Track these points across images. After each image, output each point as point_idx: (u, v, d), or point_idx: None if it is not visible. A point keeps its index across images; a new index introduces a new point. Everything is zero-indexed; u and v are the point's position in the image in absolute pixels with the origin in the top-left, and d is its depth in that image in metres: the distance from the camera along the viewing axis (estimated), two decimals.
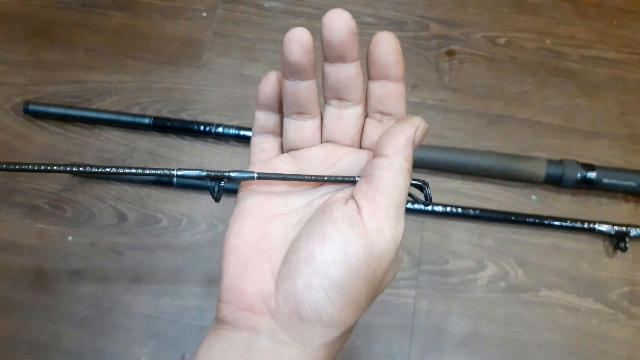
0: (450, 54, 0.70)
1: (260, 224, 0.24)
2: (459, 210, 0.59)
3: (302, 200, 0.25)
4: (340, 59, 0.24)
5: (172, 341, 0.55)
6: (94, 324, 0.55)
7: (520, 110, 0.67)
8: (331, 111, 0.26)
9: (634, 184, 0.60)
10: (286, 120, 0.26)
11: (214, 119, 0.64)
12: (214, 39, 0.70)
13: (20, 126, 0.64)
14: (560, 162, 0.61)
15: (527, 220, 0.59)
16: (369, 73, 0.25)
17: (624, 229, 0.58)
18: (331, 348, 0.22)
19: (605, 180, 0.60)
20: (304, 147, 0.26)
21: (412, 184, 0.26)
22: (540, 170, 0.60)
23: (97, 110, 0.64)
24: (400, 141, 0.23)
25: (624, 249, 0.58)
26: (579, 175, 0.60)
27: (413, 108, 0.66)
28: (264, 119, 0.27)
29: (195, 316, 0.56)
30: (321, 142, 0.27)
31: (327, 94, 0.26)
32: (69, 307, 0.56)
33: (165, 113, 0.65)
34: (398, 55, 0.24)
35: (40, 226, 0.59)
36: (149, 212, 0.60)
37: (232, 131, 0.62)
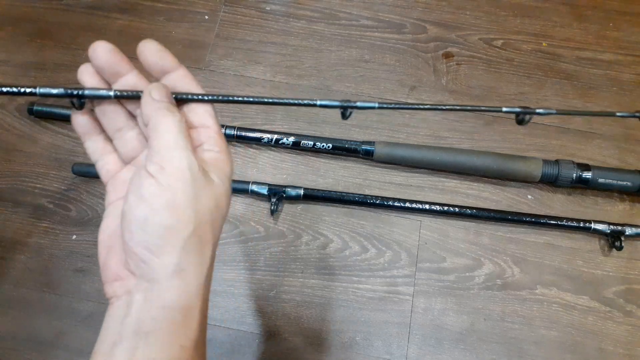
0: (448, 56, 0.71)
1: (119, 217, 0.29)
2: (456, 209, 0.60)
3: None
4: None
5: None
6: (97, 322, 0.55)
7: None
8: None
9: (629, 183, 0.61)
10: (114, 141, 0.30)
11: None
12: (216, 42, 0.71)
13: (25, 127, 0.65)
14: (556, 162, 0.61)
15: (524, 219, 0.60)
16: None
17: (619, 227, 0.59)
18: (183, 275, 0.26)
19: (601, 180, 0.61)
20: (139, 154, 0.30)
21: None
22: (537, 170, 0.61)
23: None
24: (148, 99, 0.27)
25: (620, 248, 0.59)
26: (574, 175, 0.60)
27: (411, 109, 0.67)
28: (93, 145, 0.31)
29: None
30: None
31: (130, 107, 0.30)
32: (73, 304, 0.57)
33: None
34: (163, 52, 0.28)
35: (44, 225, 0.60)
36: None
37: (233, 132, 0.63)
